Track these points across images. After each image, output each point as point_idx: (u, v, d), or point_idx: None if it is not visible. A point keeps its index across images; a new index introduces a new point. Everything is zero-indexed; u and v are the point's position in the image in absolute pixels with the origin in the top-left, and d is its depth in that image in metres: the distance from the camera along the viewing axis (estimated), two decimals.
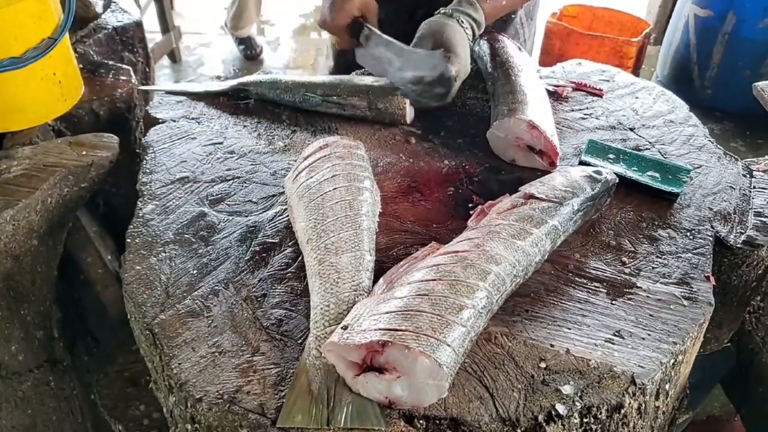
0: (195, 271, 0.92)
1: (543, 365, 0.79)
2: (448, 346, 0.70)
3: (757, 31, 3.03)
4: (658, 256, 0.98)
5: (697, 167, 1.17)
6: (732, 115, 3.27)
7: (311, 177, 0.98)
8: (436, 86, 1.18)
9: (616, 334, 0.84)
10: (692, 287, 0.92)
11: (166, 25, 3.73)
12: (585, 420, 0.76)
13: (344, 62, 1.61)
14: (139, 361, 1.40)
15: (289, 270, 0.93)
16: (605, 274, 0.94)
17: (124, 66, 1.54)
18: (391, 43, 1.25)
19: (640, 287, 0.92)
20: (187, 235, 0.99)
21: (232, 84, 1.35)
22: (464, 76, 1.28)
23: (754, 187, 1.14)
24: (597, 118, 1.32)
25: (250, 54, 3.99)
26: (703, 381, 1.47)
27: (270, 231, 1.00)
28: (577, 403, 0.75)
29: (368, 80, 1.29)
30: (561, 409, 0.75)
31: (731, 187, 1.13)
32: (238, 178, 1.12)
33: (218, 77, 1.44)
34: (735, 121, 3.27)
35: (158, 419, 1.32)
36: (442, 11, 1.29)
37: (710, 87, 3.29)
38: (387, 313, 0.74)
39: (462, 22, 1.27)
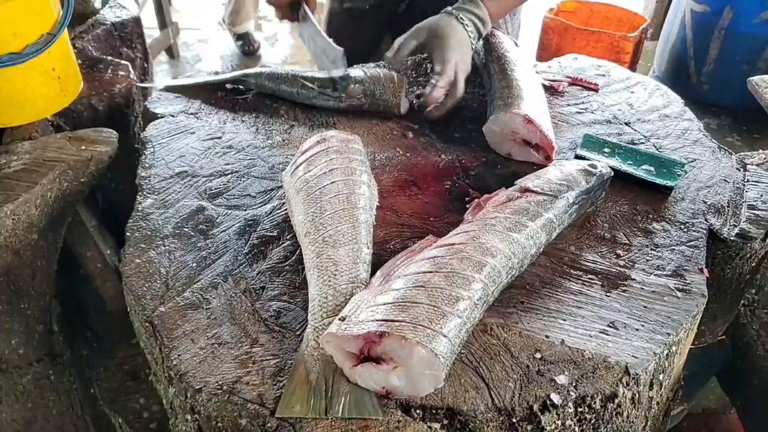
0: (194, 264, 0.93)
1: (538, 356, 0.80)
2: (445, 336, 0.71)
3: (753, 26, 3.03)
4: (652, 249, 0.99)
5: (692, 161, 1.18)
6: (729, 109, 3.28)
7: (309, 171, 0.99)
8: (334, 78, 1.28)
9: (611, 325, 0.85)
10: (686, 279, 0.93)
11: (163, 20, 3.73)
12: (579, 409, 0.77)
13: None
14: (138, 355, 1.41)
15: (288, 263, 0.94)
16: (600, 267, 0.95)
17: (123, 62, 1.54)
18: (318, 33, 1.39)
19: (635, 279, 0.93)
20: (186, 229, 1.00)
21: (234, 75, 1.37)
22: (464, 74, 1.28)
23: (748, 181, 1.15)
24: (592, 113, 1.33)
25: (248, 50, 3.99)
26: (699, 374, 1.48)
27: (268, 224, 1.01)
28: (572, 393, 0.76)
29: (363, 69, 1.30)
30: (556, 398, 0.76)
31: (725, 180, 1.14)
32: (237, 172, 1.13)
33: (216, 73, 1.44)
34: (732, 116, 3.27)
35: (158, 412, 1.33)
36: (446, 10, 1.30)
37: (707, 82, 3.30)
38: (384, 304, 0.75)
39: (462, 19, 1.28)
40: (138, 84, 1.52)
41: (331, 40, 1.35)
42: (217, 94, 1.36)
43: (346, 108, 1.30)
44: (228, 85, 1.37)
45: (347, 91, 1.28)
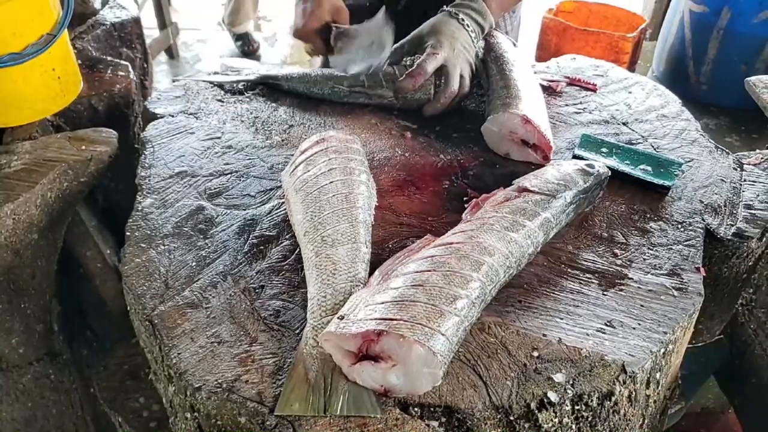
0: (194, 264, 0.94)
1: (535, 354, 0.81)
2: (442, 335, 0.72)
3: (751, 26, 3.05)
4: (649, 248, 0.99)
5: (689, 161, 1.19)
6: (727, 110, 3.29)
7: (308, 171, 0.99)
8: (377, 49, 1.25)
9: (608, 324, 0.86)
10: (683, 278, 0.94)
11: (163, 21, 3.74)
12: (576, 407, 0.78)
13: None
14: (138, 354, 1.41)
15: (287, 262, 0.94)
16: (597, 266, 0.95)
17: (123, 62, 1.55)
18: (356, 31, 1.30)
19: (632, 278, 0.93)
20: (185, 229, 1.00)
21: (263, 74, 1.39)
22: (456, 69, 1.27)
23: (745, 180, 1.16)
24: (590, 113, 1.33)
25: (247, 50, 4.00)
26: (697, 373, 1.48)
27: (267, 224, 1.01)
28: (569, 391, 0.77)
29: (391, 70, 1.30)
30: (553, 396, 0.76)
31: (722, 180, 1.14)
32: (236, 172, 1.13)
33: (215, 73, 1.45)
34: (730, 116, 3.29)
35: (157, 411, 1.34)
36: (445, 9, 1.31)
37: (706, 82, 3.31)
38: (382, 303, 0.75)
39: (462, 19, 1.28)
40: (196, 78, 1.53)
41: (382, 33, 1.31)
42: (216, 94, 1.36)
43: (376, 104, 1.32)
44: (227, 86, 1.38)
45: (378, 92, 1.30)
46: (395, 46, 1.32)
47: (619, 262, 0.96)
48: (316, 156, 1.02)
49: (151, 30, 3.65)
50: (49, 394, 1.34)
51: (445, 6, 1.32)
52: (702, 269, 0.95)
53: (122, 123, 1.47)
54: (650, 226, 1.04)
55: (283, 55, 4.14)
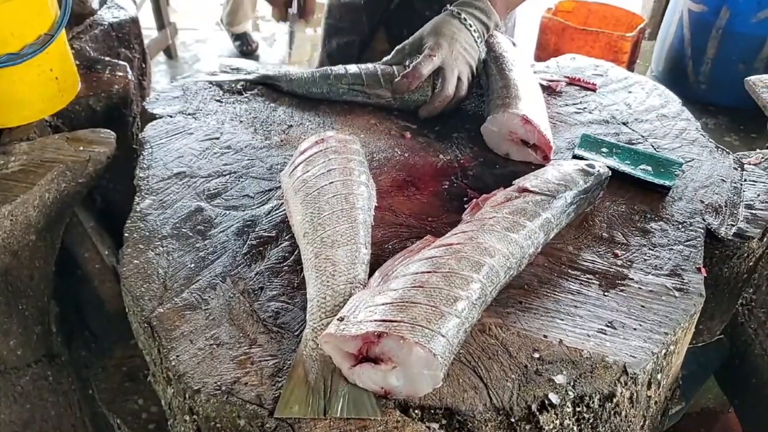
0: (192, 265, 0.93)
1: (536, 356, 0.80)
2: (443, 336, 0.71)
3: (750, 26, 3.05)
4: (650, 248, 0.99)
5: (689, 161, 1.18)
6: (726, 109, 3.30)
7: (307, 171, 0.99)
8: None
9: (609, 324, 0.85)
10: (683, 279, 0.93)
11: (161, 21, 3.73)
12: (578, 409, 0.77)
13: (331, 50, 1.65)
14: (136, 356, 1.41)
15: (286, 263, 0.94)
16: (598, 266, 0.95)
17: (121, 62, 1.54)
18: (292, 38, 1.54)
19: (633, 279, 0.93)
20: (184, 230, 1.00)
21: (262, 74, 1.39)
22: (453, 71, 1.27)
23: (745, 180, 1.16)
24: (590, 113, 1.33)
25: (246, 50, 4.00)
26: (697, 373, 1.48)
27: (266, 225, 1.01)
28: (570, 393, 0.77)
29: (390, 70, 1.30)
30: (554, 398, 0.76)
31: (722, 180, 1.14)
32: (235, 173, 1.13)
33: (213, 73, 1.44)
34: (729, 116, 3.29)
35: (156, 413, 1.34)
36: (448, 8, 1.30)
37: (704, 81, 3.31)
38: (382, 304, 0.75)
39: (465, 19, 1.28)
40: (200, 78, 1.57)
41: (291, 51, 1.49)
42: (214, 95, 1.36)
43: (374, 104, 1.32)
44: (225, 86, 1.38)
45: (377, 91, 1.30)
46: (397, 47, 1.31)
47: (619, 262, 0.96)
48: (315, 156, 1.01)
49: (149, 30, 3.64)
50: (48, 395, 1.34)
51: (448, 5, 1.31)
52: (703, 269, 0.95)
53: (120, 123, 1.47)
54: (651, 227, 1.03)
55: (281, 55, 4.13)
